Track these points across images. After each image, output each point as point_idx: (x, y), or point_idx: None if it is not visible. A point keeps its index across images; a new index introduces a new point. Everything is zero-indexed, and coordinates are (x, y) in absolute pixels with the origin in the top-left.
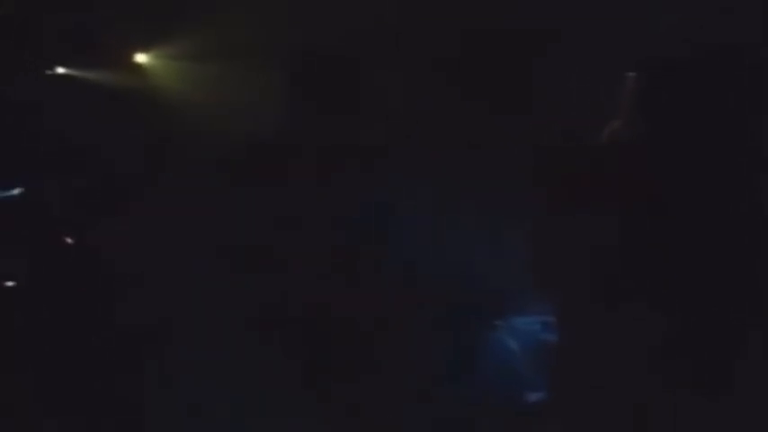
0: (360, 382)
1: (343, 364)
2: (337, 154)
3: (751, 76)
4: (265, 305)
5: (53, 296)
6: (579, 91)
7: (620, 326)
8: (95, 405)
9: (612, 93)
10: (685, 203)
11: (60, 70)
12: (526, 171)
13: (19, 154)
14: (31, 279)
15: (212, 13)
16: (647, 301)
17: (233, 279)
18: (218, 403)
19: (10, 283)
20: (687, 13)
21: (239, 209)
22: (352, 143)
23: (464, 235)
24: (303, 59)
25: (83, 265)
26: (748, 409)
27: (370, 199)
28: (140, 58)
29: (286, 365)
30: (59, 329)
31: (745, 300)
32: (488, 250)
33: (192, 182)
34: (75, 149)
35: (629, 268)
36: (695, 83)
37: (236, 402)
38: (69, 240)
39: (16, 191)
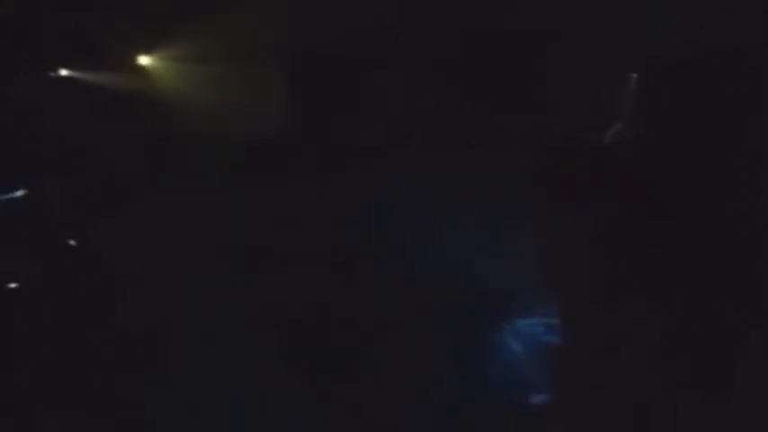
0: (360, 382)
1: (343, 364)
2: (337, 154)
3: (751, 77)
4: (265, 305)
5: (53, 296)
6: (579, 91)
7: (622, 326)
8: (95, 405)
9: (612, 93)
10: (686, 203)
11: (60, 70)
12: (526, 171)
13: (19, 154)
14: (31, 279)
15: (212, 14)
16: (648, 302)
17: (233, 279)
18: (218, 403)
19: (10, 283)
20: (687, 13)
21: (239, 209)
22: (352, 143)
23: (464, 235)
24: (303, 59)
25: (83, 265)
26: (748, 409)
27: (370, 199)
28: (141, 59)
29: (286, 365)
30: (59, 329)
31: (745, 300)
32: (489, 251)
33: (192, 182)
34: (75, 149)
35: (629, 269)
36: (695, 83)
37: (236, 402)
38: (69, 240)
39: (16, 191)
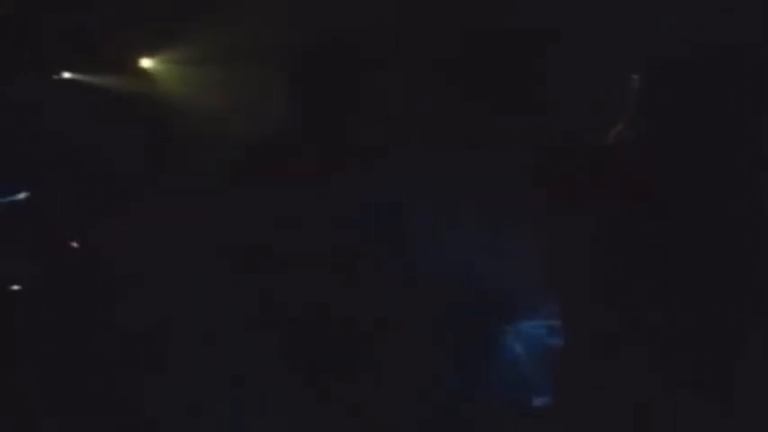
0: (360, 382)
1: (343, 364)
2: (337, 154)
3: (751, 77)
4: (265, 305)
5: (53, 296)
6: (579, 91)
7: (622, 326)
8: (95, 405)
9: (613, 93)
10: (686, 203)
11: (60, 70)
12: (526, 171)
13: (19, 154)
14: (31, 279)
15: (212, 15)
16: (649, 302)
17: (233, 279)
18: (218, 403)
19: (10, 284)
20: (687, 13)
21: (239, 209)
22: (352, 143)
23: (465, 236)
24: (303, 59)
25: (82, 265)
26: (748, 410)
27: (371, 199)
28: (140, 60)
29: (286, 365)
30: (59, 329)
31: (745, 300)
32: (490, 252)
33: (193, 182)
34: (75, 150)
35: (630, 269)
36: (696, 83)
37: (236, 402)
38: (69, 240)
39: (17, 191)
